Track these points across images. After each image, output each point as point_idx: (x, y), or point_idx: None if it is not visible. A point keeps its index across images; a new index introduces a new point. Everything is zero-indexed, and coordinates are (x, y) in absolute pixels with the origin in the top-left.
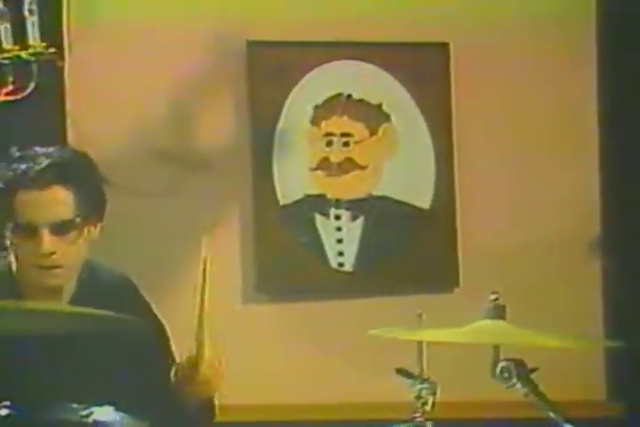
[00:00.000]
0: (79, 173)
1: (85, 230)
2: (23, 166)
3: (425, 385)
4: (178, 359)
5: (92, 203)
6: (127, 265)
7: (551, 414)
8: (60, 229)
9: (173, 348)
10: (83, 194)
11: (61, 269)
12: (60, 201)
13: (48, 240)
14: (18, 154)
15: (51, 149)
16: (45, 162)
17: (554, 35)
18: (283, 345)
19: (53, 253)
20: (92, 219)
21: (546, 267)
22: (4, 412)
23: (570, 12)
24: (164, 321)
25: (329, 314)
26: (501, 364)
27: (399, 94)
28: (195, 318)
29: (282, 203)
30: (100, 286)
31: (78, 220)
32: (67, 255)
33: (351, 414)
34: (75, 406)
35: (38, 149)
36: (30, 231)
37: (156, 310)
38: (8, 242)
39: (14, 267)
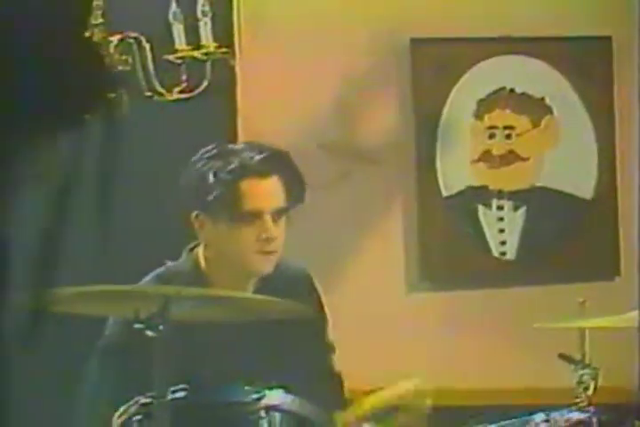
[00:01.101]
0: (287, 164)
1: (281, 222)
2: (246, 158)
3: (587, 371)
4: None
5: (297, 193)
6: (297, 255)
7: None
8: (277, 216)
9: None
10: (290, 183)
11: (276, 255)
12: (277, 189)
13: (272, 226)
14: (214, 151)
15: (249, 145)
16: (262, 154)
17: None
18: (446, 332)
19: (276, 238)
20: (293, 208)
21: None
22: (181, 394)
23: None
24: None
25: (491, 302)
26: None
27: (562, 88)
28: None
29: (444, 194)
30: (280, 276)
31: (288, 207)
32: (280, 242)
33: (514, 399)
34: (248, 389)
35: (233, 146)
36: (255, 218)
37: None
38: (203, 237)
39: (203, 262)
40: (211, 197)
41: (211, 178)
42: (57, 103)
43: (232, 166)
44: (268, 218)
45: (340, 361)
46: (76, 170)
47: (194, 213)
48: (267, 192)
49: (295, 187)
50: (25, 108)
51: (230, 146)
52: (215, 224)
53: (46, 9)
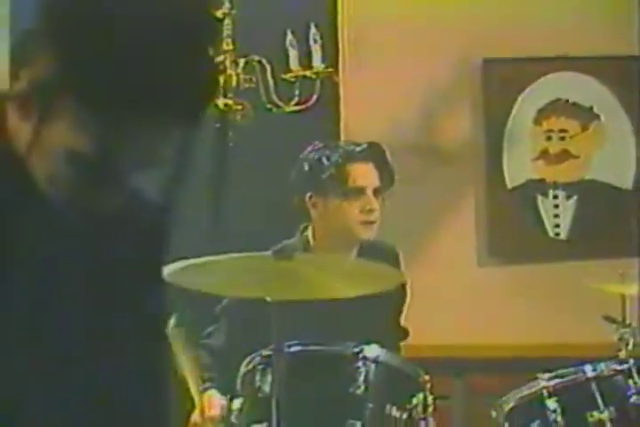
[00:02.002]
0: (380, 154)
1: (382, 198)
2: (349, 148)
3: (627, 329)
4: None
5: (388, 176)
6: (389, 235)
7: None
8: (376, 193)
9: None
10: (383, 169)
11: (375, 225)
12: (374, 172)
13: (373, 199)
14: (322, 145)
15: (349, 141)
16: (361, 146)
17: None
18: (509, 298)
19: (376, 209)
20: (385, 190)
21: None
22: (296, 348)
23: None
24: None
25: (548, 274)
26: None
27: (608, 98)
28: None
29: (509, 186)
30: (374, 250)
31: (382, 188)
32: (378, 214)
33: (567, 353)
34: (349, 344)
35: (336, 142)
36: (359, 193)
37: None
38: (315, 214)
39: (312, 240)
40: (325, 176)
41: (325, 161)
42: (178, 105)
43: (341, 153)
44: (369, 193)
45: (417, 321)
46: (188, 158)
47: (307, 195)
48: (367, 174)
49: (386, 172)
50: (152, 107)
51: (333, 142)
52: (326, 201)
53: (182, 35)
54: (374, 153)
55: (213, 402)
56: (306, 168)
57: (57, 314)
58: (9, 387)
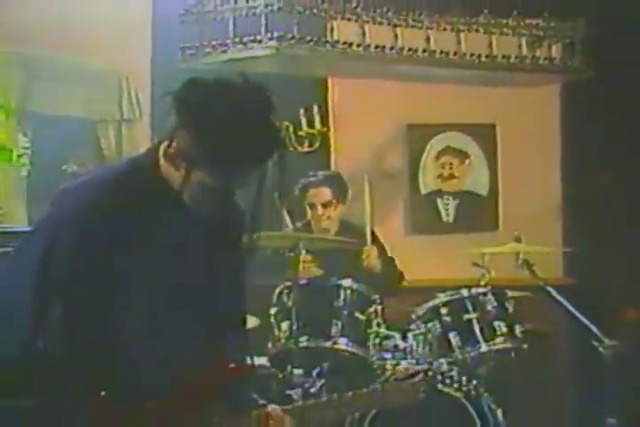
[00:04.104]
0: (335, 179)
1: (338, 206)
2: (311, 179)
3: (484, 270)
4: None
5: (342, 192)
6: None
7: None
8: (326, 205)
9: None
10: (335, 189)
11: (328, 222)
12: (325, 191)
13: (322, 210)
14: (310, 173)
15: (322, 172)
16: (319, 176)
17: None
18: (423, 253)
19: (322, 214)
20: (339, 200)
21: None
22: (304, 282)
23: None
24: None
25: (442, 240)
26: None
27: (474, 147)
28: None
29: (422, 193)
30: (351, 230)
31: (334, 200)
32: (332, 216)
33: (452, 283)
34: (334, 279)
35: (317, 173)
36: (312, 206)
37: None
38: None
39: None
40: (298, 195)
41: (297, 187)
42: (256, 154)
43: (304, 182)
44: (319, 206)
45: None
46: (264, 182)
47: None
48: (317, 194)
49: (339, 190)
50: (243, 158)
51: (314, 173)
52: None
53: (266, 120)
54: (327, 179)
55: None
56: (295, 190)
57: (186, 265)
58: (154, 297)
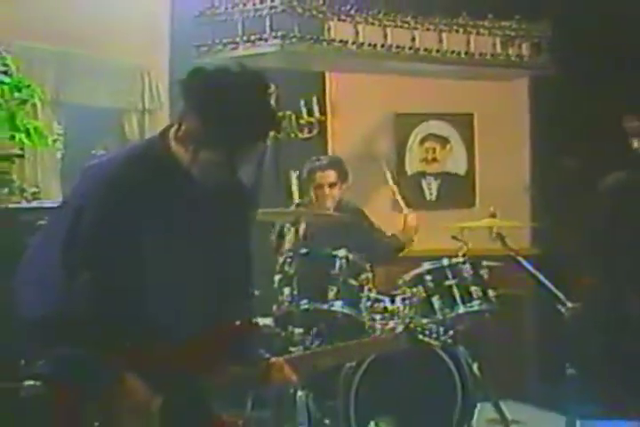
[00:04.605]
0: (337, 163)
1: (341, 186)
2: (317, 163)
3: (462, 243)
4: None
5: (343, 175)
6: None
7: None
8: (331, 185)
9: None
10: (338, 172)
11: (331, 200)
12: (330, 174)
13: (329, 190)
14: (314, 158)
15: (326, 157)
16: (323, 161)
17: None
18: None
19: (327, 194)
20: (342, 181)
21: None
22: (304, 251)
23: None
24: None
25: (426, 216)
26: None
27: (454, 133)
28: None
29: (409, 174)
30: (345, 208)
31: (338, 181)
32: (335, 196)
33: (435, 253)
34: (330, 249)
35: (321, 157)
36: (319, 187)
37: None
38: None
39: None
40: (305, 177)
41: (305, 170)
42: (254, 133)
43: (311, 165)
44: (326, 187)
45: None
46: (264, 158)
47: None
48: (323, 176)
49: (341, 172)
50: (245, 139)
51: (315, 158)
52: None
53: (266, 107)
54: (332, 163)
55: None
56: (303, 172)
57: (196, 231)
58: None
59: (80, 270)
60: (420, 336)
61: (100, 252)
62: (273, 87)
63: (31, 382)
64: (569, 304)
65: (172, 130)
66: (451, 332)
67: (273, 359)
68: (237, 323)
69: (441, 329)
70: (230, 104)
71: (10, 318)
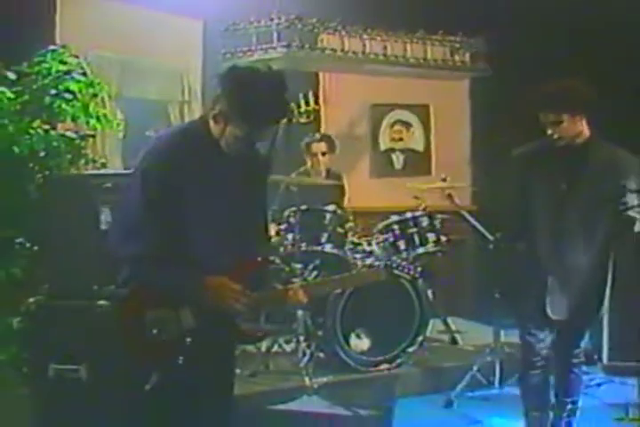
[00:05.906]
0: (328, 138)
1: (331, 156)
2: (313, 137)
3: (421, 201)
4: None
5: (333, 147)
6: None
7: None
8: (324, 154)
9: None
10: (329, 144)
11: (323, 166)
12: (322, 145)
13: (322, 158)
14: (310, 134)
15: (319, 133)
16: (317, 136)
17: None
18: (381, 187)
19: (320, 161)
20: (332, 151)
21: None
22: (304, 207)
23: None
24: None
25: (394, 183)
26: None
27: (415, 123)
28: None
29: (381, 150)
30: (333, 174)
31: (328, 151)
32: (326, 163)
33: (400, 208)
34: (319, 205)
35: (315, 134)
36: (314, 155)
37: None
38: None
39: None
40: (303, 147)
41: (303, 143)
42: (271, 117)
43: (307, 139)
44: (319, 155)
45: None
46: (276, 137)
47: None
48: (317, 147)
49: (331, 145)
50: (266, 121)
51: (312, 134)
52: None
53: (281, 98)
54: (324, 137)
55: None
56: (302, 145)
57: (226, 187)
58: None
59: (152, 220)
60: (395, 271)
61: (163, 199)
62: (288, 85)
63: (102, 302)
64: (490, 237)
65: (211, 112)
66: (419, 268)
67: (289, 286)
68: (259, 259)
69: (410, 266)
70: (253, 94)
71: (85, 253)
